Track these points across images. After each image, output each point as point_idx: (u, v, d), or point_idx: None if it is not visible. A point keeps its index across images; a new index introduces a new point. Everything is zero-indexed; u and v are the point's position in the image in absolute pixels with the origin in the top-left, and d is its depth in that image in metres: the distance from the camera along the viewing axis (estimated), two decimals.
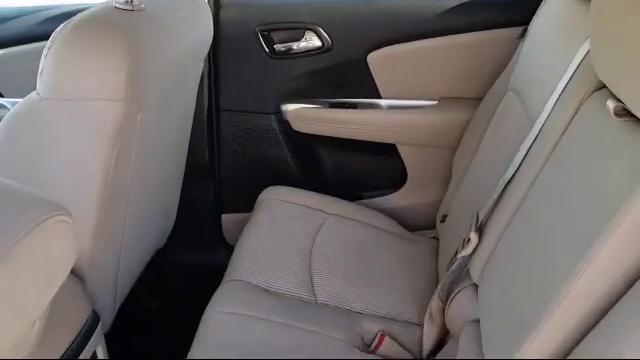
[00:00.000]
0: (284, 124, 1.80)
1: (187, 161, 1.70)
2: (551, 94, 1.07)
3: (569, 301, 0.80)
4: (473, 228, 1.15)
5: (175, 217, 1.74)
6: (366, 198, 1.85)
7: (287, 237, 1.52)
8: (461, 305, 1.18)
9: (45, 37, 1.19)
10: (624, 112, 0.81)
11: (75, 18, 1.08)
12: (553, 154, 0.99)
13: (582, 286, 0.79)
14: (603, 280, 0.77)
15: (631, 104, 0.78)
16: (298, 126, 1.80)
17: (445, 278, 1.22)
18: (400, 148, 1.79)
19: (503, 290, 1.00)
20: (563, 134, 0.98)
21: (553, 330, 0.82)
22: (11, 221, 0.63)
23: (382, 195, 1.86)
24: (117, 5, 1.15)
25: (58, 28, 1.06)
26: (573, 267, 0.79)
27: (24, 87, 1.16)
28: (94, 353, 1.18)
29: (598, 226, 0.77)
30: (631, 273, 0.75)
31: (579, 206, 0.84)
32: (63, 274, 0.74)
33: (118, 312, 1.36)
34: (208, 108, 1.78)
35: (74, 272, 1.15)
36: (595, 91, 0.94)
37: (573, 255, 0.80)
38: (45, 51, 1.06)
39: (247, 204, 1.72)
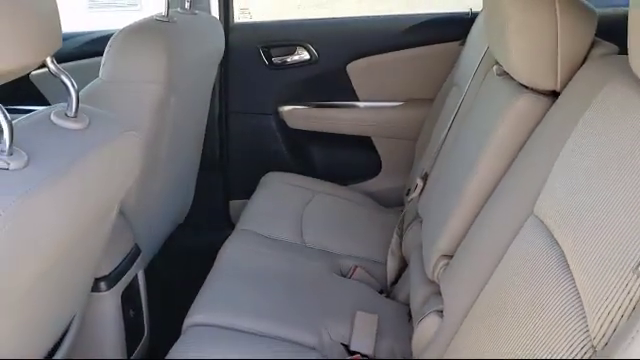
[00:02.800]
0: (281, 122, 2.22)
1: (201, 155, 2.10)
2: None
3: (464, 202, 1.20)
4: (419, 176, 1.55)
5: (192, 198, 2.13)
6: (349, 184, 2.24)
7: (282, 205, 1.91)
8: (412, 236, 1.56)
9: (89, 55, 1.58)
10: (502, 72, 1.23)
11: (128, 26, 1.51)
12: (470, 111, 1.40)
13: (471, 190, 1.18)
14: (483, 185, 1.17)
15: (504, 65, 1.19)
16: (292, 124, 2.22)
17: (400, 218, 1.61)
18: (375, 141, 2.20)
19: (433, 213, 1.39)
20: (476, 96, 1.39)
21: (456, 223, 1.21)
22: (109, 128, 1.03)
23: (362, 181, 2.25)
24: (157, 18, 1.58)
25: (116, 32, 1.49)
26: (466, 180, 1.20)
27: None
28: (136, 276, 1.56)
29: (479, 148, 1.17)
30: (496, 181, 1.14)
31: (474, 137, 1.24)
32: (133, 176, 1.13)
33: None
34: (219, 111, 2.20)
35: (123, 213, 1.53)
36: (495, 64, 1.35)
37: (465, 174, 1.20)
38: (107, 48, 1.48)
39: (251, 191, 2.11)
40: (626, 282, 0.64)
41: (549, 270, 0.83)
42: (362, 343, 1.34)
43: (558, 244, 0.83)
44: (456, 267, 1.16)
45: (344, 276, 1.64)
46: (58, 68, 0.97)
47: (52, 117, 0.96)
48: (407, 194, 1.96)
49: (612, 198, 0.73)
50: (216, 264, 1.59)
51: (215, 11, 2.06)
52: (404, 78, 2.12)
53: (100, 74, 1.49)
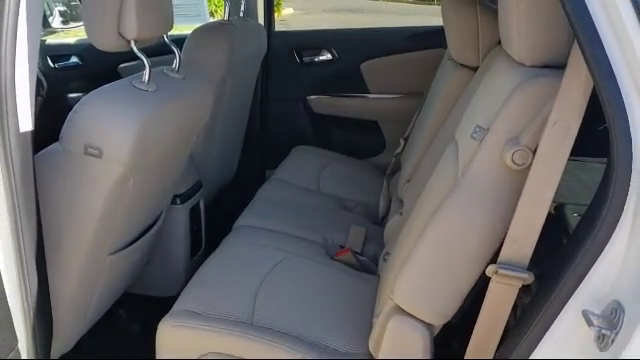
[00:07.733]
0: (308, 108, 2.86)
1: (245, 131, 2.75)
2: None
3: (420, 143, 1.80)
4: (403, 137, 2.16)
5: (237, 165, 2.77)
6: (359, 159, 2.84)
7: (304, 167, 2.53)
8: (395, 181, 2.16)
9: (168, 52, 2.27)
10: (452, 59, 1.84)
11: (202, 25, 2.17)
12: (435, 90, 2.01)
13: (424, 136, 1.79)
14: (431, 132, 1.77)
15: (452, 54, 1.80)
16: (317, 109, 2.85)
17: (389, 170, 2.22)
18: (381, 124, 2.82)
19: (405, 157, 1.99)
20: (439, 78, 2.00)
21: (415, 158, 1.81)
22: (197, 81, 1.67)
23: (370, 157, 2.86)
24: (221, 22, 2.25)
25: (193, 30, 2.15)
26: (421, 130, 1.80)
27: None
28: (198, 202, 2.19)
29: (430, 109, 1.78)
30: (438, 129, 1.74)
31: (429, 102, 1.85)
32: (206, 116, 1.76)
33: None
34: (261, 98, 2.85)
35: (192, 157, 2.17)
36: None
37: (421, 127, 1.81)
38: (186, 41, 2.13)
39: None
40: (463, 143, 1.23)
41: (453, 162, 1.43)
42: (354, 244, 1.94)
43: (456, 143, 1.43)
44: (411, 184, 1.77)
45: (347, 210, 2.24)
46: (169, 41, 1.60)
47: (164, 70, 1.60)
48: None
49: (475, 116, 1.33)
50: (254, 198, 2.21)
51: (261, 20, 2.73)
52: (403, 75, 2.74)
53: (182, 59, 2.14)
